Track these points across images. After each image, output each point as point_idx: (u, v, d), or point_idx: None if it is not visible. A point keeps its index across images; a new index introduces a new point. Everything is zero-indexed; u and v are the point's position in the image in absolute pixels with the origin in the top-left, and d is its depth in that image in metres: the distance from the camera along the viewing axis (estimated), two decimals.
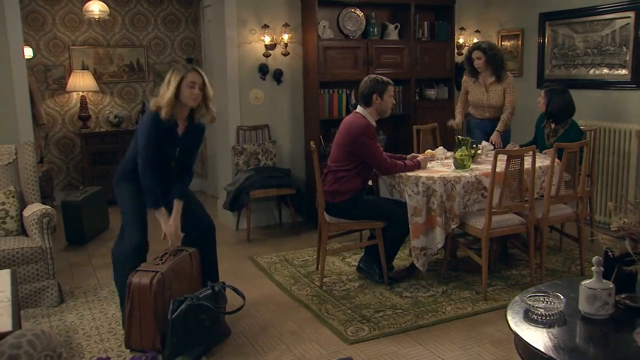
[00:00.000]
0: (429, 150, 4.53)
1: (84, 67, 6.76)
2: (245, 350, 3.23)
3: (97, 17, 6.44)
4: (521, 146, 4.46)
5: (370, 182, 4.24)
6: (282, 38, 5.59)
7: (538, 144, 4.62)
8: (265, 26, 5.53)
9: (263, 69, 5.57)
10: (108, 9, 6.49)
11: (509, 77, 5.05)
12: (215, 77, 6.09)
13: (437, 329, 3.44)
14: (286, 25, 5.60)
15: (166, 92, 3.25)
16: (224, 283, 3.38)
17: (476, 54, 4.94)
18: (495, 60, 4.92)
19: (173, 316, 3.02)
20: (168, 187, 3.43)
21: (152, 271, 3.13)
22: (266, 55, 5.57)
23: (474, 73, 5.07)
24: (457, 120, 5.31)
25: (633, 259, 2.27)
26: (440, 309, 3.69)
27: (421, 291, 3.98)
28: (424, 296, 3.89)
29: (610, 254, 2.39)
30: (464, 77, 5.24)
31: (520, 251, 4.56)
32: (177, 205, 3.42)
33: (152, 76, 7.12)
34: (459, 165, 4.05)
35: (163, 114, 3.26)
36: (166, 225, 3.37)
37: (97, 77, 6.81)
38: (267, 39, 5.52)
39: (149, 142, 3.28)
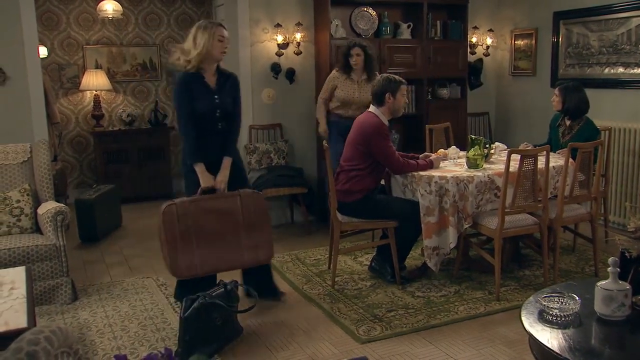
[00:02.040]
0: (442, 150, 4.51)
1: (98, 66, 6.80)
2: (257, 349, 3.24)
3: (110, 16, 6.49)
4: (535, 146, 4.43)
5: (382, 182, 4.24)
6: (294, 37, 5.59)
7: (552, 144, 4.59)
8: (278, 25, 5.53)
9: (275, 68, 5.58)
10: (121, 9, 6.53)
11: (377, 76, 4.96)
12: None
13: (450, 329, 3.43)
14: (299, 24, 5.60)
15: (194, 48, 3.44)
16: (236, 282, 3.39)
17: (356, 50, 4.86)
18: (372, 60, 4.92)
19: (185, 314, 3.03)
20: (217, 147, 3.55)
21: (170, 202, 3.37)
22: (279, 55, 5.57)
23: (347, 69, 4.95)
24: (323, 126, 5.11)
25: None
26: (452, 309, 3.68)
27: (433, 291, 3.96)
28: (436, 296, 3.88)
29: (627, 254, 2.36)
30: (334, 74, 5.04)
31: (533, 251, 4.53)
32: (226, 161, 3.57)
33: (164, 75, 7.15)
34: (472, 164, 4.03)
35: (189, 66, 3.45)
36: (205, 178, 3.48)
37: (111, 76, 6.85)
38: (280, 38, 5.53)
39: (182, 99, 3.47)
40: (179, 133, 3.57)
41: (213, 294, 3.17)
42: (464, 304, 3.74)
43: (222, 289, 3.24)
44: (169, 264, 3.36)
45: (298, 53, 5.64)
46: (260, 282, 3.75)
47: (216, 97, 3.52)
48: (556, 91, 4.56)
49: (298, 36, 5.58)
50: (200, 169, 3.49)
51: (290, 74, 5.63)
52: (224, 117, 3.57)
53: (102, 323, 3.57)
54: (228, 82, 3.61)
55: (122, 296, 3.98)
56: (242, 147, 5.57)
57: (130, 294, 4.00)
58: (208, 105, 3.50)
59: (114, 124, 6.96)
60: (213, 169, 3.54)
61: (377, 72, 4.96)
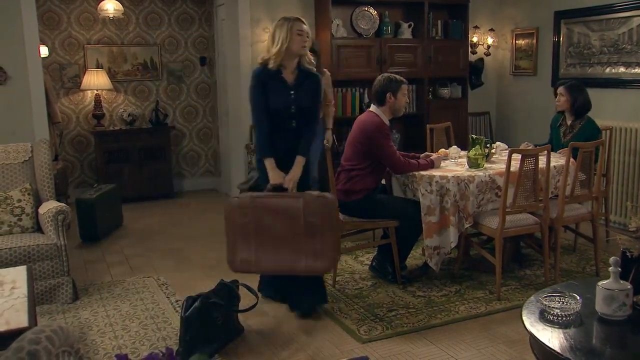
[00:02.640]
0: (443, 150, 4.51)
1: (99, 66, 6.80)
2: (258, 348, 3.24)
3: (111, 16, 6.49)
4: (536, 146, 4.42)
5: (383, 181, 4.23)
6: None
7: (553, 143, 4.58)
8: None
9: None
10: (122, 8, 6.53)
11: (326, 73, 4.92)
12: (229, 75, 6.10)
13: (450, 329, 3.42)
14: None
15: (273, 45, 3.42)
16: (237, 281, 3.39)
17: None
18: (318, 61, 4.76)
19: (186, 314, 3.04)
20: (289, 145, 3.49)
21: (234, 197, 3.41)
22: None
23: None
24: None
25: None
26: (453, 308, 3.68)
27: (434, 290, 3.96)
28: (437, 295, 3.88)
29: (628, 254, 2.36)
30: None
31: (534, 251, 4.53)
32: (299, 160, 3.49)
33: (165, 74, 7.15)
34: (473, 164, 4.03)
35: (271, 64, 3.42)
36: (274, 175, 3.44)
37: (112, 75, 6.85)
38: None
39: (255, 94, 3.46)
40: (253, 121, 3.56)
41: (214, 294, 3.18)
42: (464, 304, 3.74)
43: (223, 288, 3.25)
44: (226, 256, 3.33)
45: None
46: (307, 286, 3.60)
47: (292, 92, 3.44)
48: (561, 90, 4.49)
49: None
50: (270, 164, 3.44)
51: None
52: (299, 115, 3.49)
53: (103, 322, 3.57)
54: (308, 80, 3.50)
55: (123, 295, 3.98)
56: (244, 146, 5.57)
57: (131, 294, 4.01)
58: (283, 101, 3.43)
59: (114, 124, 6.96)
60: (284, 167, 3.47)
61: (323, 68, 4.87)
